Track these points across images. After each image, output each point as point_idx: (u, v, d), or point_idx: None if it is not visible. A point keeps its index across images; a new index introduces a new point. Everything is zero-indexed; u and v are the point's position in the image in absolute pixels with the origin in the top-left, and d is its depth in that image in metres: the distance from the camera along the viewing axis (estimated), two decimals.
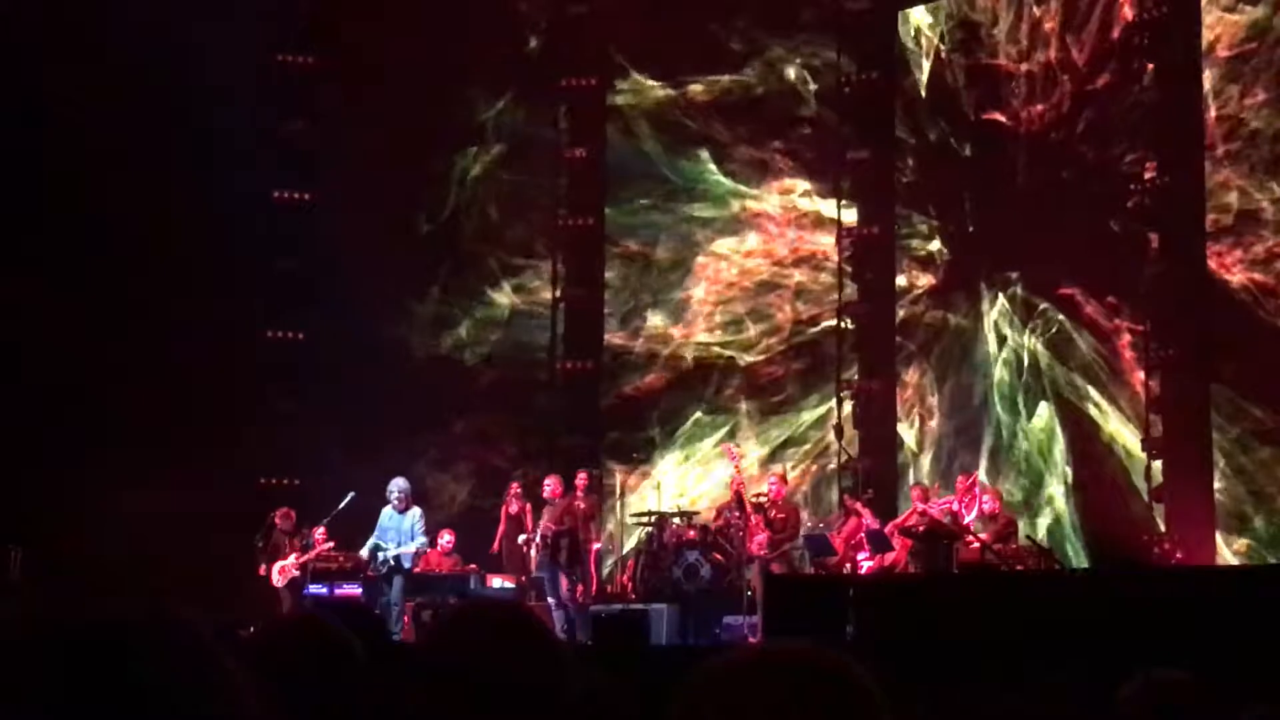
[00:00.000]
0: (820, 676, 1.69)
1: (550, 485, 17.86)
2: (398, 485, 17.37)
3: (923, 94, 21.00)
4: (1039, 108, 19.99)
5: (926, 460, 20.41)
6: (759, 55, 21.95)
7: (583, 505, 17.59)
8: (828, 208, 21.28)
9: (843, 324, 20.69)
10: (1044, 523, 19.10)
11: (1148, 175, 18.56)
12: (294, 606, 16.82)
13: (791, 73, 21.83)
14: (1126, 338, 19.13)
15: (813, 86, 21.71)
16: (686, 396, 21.95)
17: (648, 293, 22.34)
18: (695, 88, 22.23)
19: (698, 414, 21.84)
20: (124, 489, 16.96)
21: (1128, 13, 19.09)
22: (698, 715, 1.70)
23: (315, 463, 19.60)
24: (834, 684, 1.69)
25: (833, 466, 20.63)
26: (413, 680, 2.13)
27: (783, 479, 18.44)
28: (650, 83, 22.44)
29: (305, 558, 17.87)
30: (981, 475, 18.60)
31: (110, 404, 18.76)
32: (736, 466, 18.00)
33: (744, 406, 21.64)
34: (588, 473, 18.58)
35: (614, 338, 22.29)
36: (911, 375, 20.76)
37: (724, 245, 22.07)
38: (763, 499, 17.65)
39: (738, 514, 17.56)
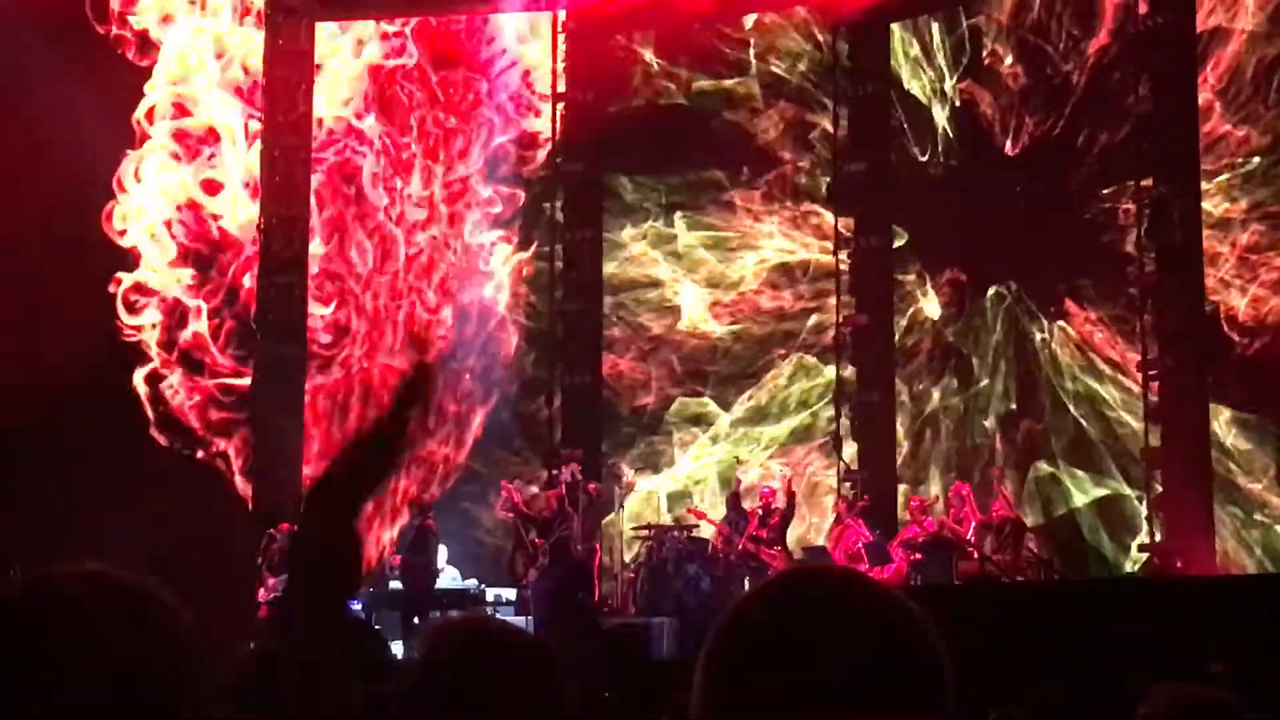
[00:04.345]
0: (852, 589, 1.63)
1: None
2: None
3: (919, 107, 21.07)
4: (1036, 119, 20.05)
5: (925, 471, 20.43)
6: (756, 67, 22.02)
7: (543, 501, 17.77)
8: (826, 219, 21.31)
9: (842, 336, 20.69)
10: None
11: (1145, 185, 18.61)
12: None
13: (789, 83, 21.90)
14: (1126, 349, 19.16)
15: (810, 98, 21.78)
16: (682, 406, 21.97)
17: (644, 305, 22.36)
18: (693, 91, 22.29)
19: (695, 428, 21.90)
20: (118, 508, 16.98)
21: (1123, 23, 19.17)
22: (736, 639, 1.61)
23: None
24: (865, 595, 1.62)
25: (826, 469, 20.61)
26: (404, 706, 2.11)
27: (773, 494, 18.34)
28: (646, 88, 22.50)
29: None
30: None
31: (107, 423, 18.80)
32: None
33: (739, 416, 21.68)
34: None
35: (609, 349, 22.31)
36: (911, 386, 20.78)
37: (720, 256, 22.10)
38: (758, 509, 17.82)
39: (749, 555, 17.59)
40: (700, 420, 21.95)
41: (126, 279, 20.72)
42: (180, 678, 1.60)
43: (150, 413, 20.33)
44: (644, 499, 21.55)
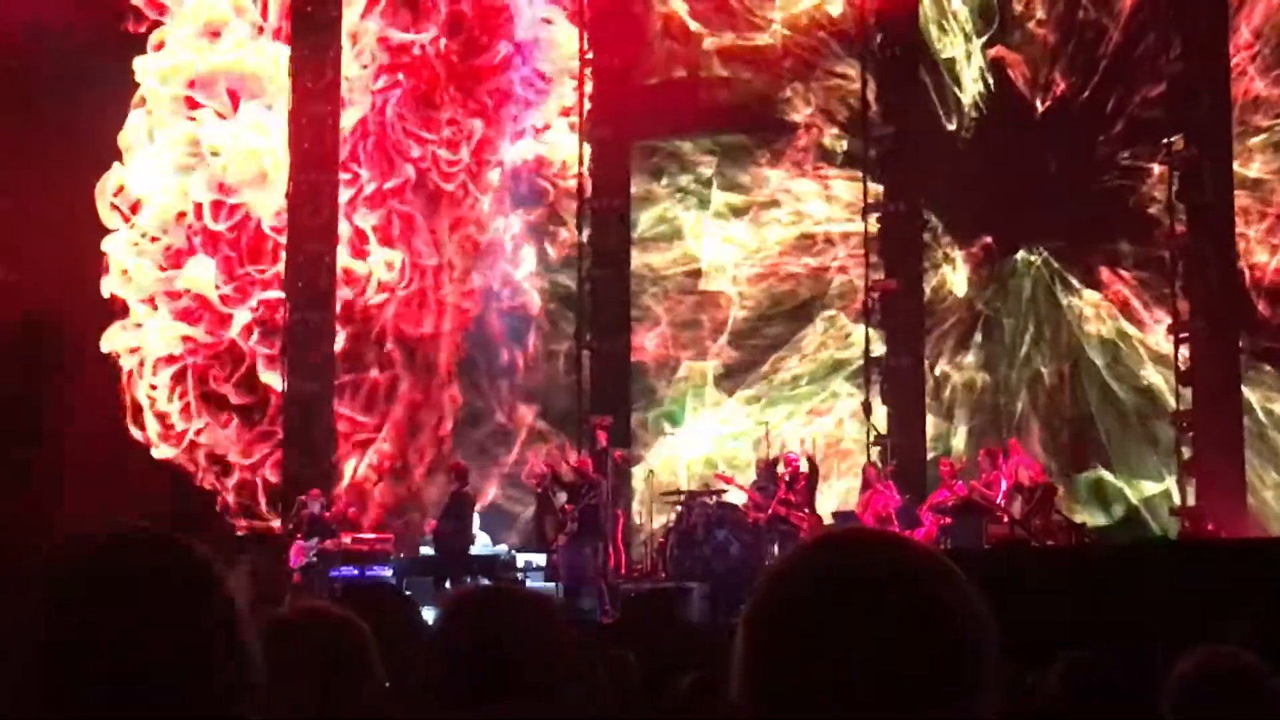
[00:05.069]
0: (896, 554, 1.61)
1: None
2: None
3: (949, 70, 20.95)
4: (1066, 81, 19.93)
5: (955, 435, 20.38)
6: (784, 30, 21.92)
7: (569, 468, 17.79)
8: (855, 184, 21.22)
9: (870, 301, 20.61)
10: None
11: (1176, 147, 18.49)
12: (317, 591, 16.76)
13: (816, 47, 21.80)
14: (1156, 311, 19.08)
15: (839, 62, 21.68)
16: (710, 370, 21.96)
17: (672, 270, 22.33)
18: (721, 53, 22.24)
19: (723, 392, 21.88)
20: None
21: None
22: (770, 607, 1.60)
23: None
24: (909, 561, 1.60)
25: (856, 434, 20.59)
26: (425, 662, 2.12)
27: (797, 460, 18.27)
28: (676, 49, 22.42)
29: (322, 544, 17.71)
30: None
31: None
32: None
33: (771, 382, 21.65)
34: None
35: (637, 315, 22.30)
36: (939, 351, 20.71)
37: (747, 220, 22.05)
38: (785, 474, 17.79)
39: (779, 519, 17.56)
40: (728, 384, 21.92)
41: (123, 236, 20.85)
42: (235, 638, 1.59)
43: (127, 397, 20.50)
44: (668, 464, 21.52)
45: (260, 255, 21.23)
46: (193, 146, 21.25)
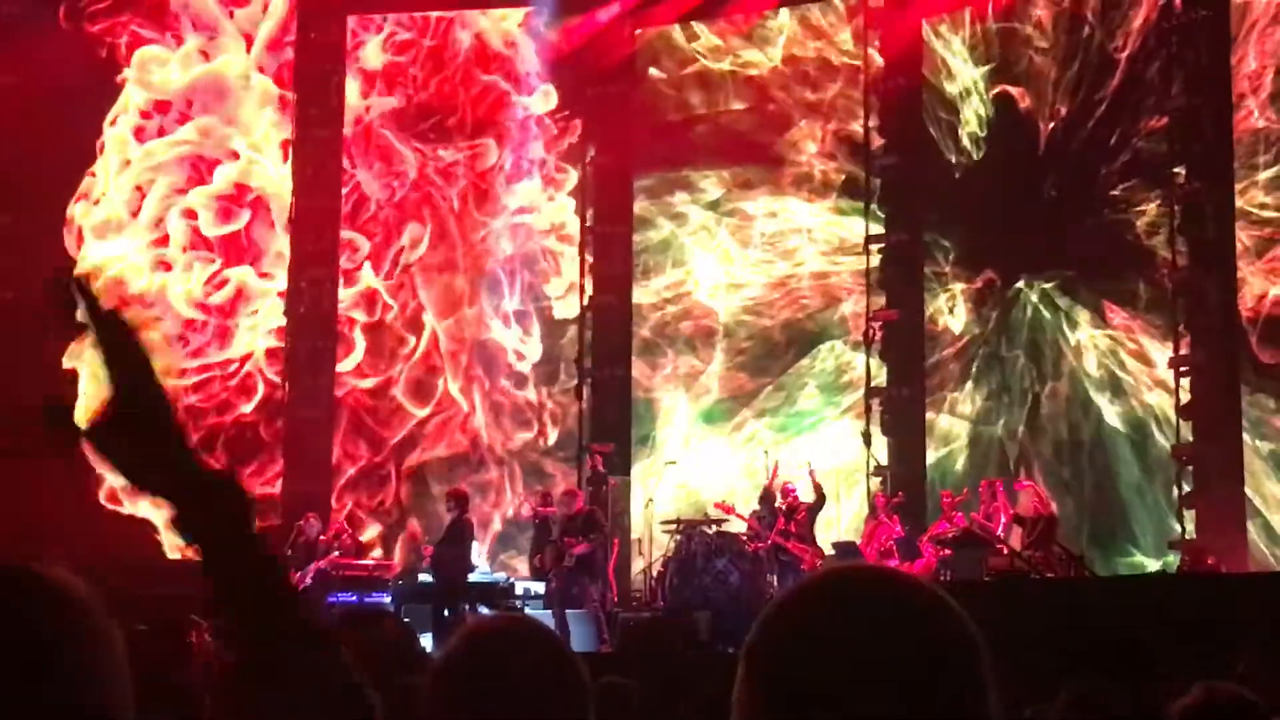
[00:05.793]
0: (898, 590, 1.65)
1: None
2: None
3: (949, 99, 20.98)
4: (1068, 114, 19.95)
5: (955, 466, 20.36)
6: (787, 65, 21.97)
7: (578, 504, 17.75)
8: (856, 215, 21.25)
9: (871, 331, 20.61)
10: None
11: (1178, 180, 18.51)
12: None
13: (819, 75, 21.85)
14: (1156, 343, 19.07)
15: (843, 93, 21.72)
16: (711, 399, 21.94)
17: (672, 305, 22.34)
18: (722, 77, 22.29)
19: (722, 420, 21.86)
20: None
21: (1159, 18, 19.07)
22: (776, 641, 1.63)
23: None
24: (909, 598, 1.63)
25: (855, 464, 20.57)
26: (432, 687, 2.12)
27: (795, 491, 18.23)
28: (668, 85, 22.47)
29: (318, 564, 17.62)
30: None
31: None
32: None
33: (771, 412, 21.63)
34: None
35: (637, 344, 22.30)
36: (940, 381, 20.70)
37: (749, 249, 22.06)
38: (783, 505, 17.79)
39: (778, 549, 17.54)
40: (728, 413, 21.90)
41: (105, 249, 20.89)
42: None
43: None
44: (666, 493, 21.48)
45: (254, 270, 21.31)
46: (185, 159, 21.30)
